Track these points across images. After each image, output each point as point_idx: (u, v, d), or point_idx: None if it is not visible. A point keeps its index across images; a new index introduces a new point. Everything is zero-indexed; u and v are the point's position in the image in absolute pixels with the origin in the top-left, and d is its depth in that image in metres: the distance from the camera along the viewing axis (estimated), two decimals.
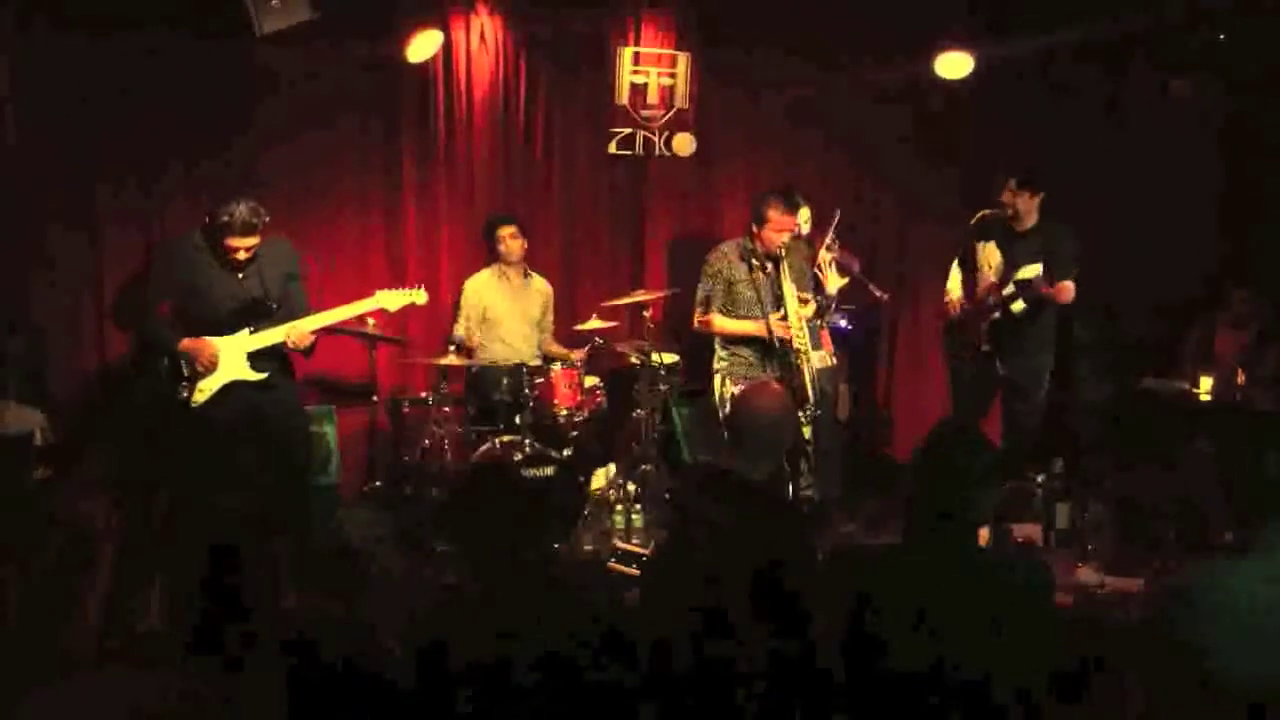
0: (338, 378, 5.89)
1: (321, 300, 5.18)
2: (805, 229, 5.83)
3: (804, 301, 5.43)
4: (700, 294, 5.47)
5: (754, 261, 5.31)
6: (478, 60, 6.15)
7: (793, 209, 5.34)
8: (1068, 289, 5.34)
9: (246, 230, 4.62)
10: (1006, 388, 5.70)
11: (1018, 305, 5.46)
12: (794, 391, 5.05)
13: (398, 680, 2.28)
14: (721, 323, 5.41)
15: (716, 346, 5.50)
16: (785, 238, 5.28)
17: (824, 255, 5.64)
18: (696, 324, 5.54)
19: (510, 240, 5.87)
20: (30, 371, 5.10)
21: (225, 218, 4.59)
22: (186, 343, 4.68)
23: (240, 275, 4.76)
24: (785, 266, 5.31)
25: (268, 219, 4.72)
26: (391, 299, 5.09)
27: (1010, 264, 5.49)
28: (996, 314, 5.56)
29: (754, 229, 5.32)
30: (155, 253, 5.13)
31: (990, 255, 5.63)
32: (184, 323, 4.76)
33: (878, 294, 5.68)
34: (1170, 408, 6.09)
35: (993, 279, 5.59)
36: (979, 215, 5.71)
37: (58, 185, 5.42)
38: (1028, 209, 5.51)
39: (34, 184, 5.32)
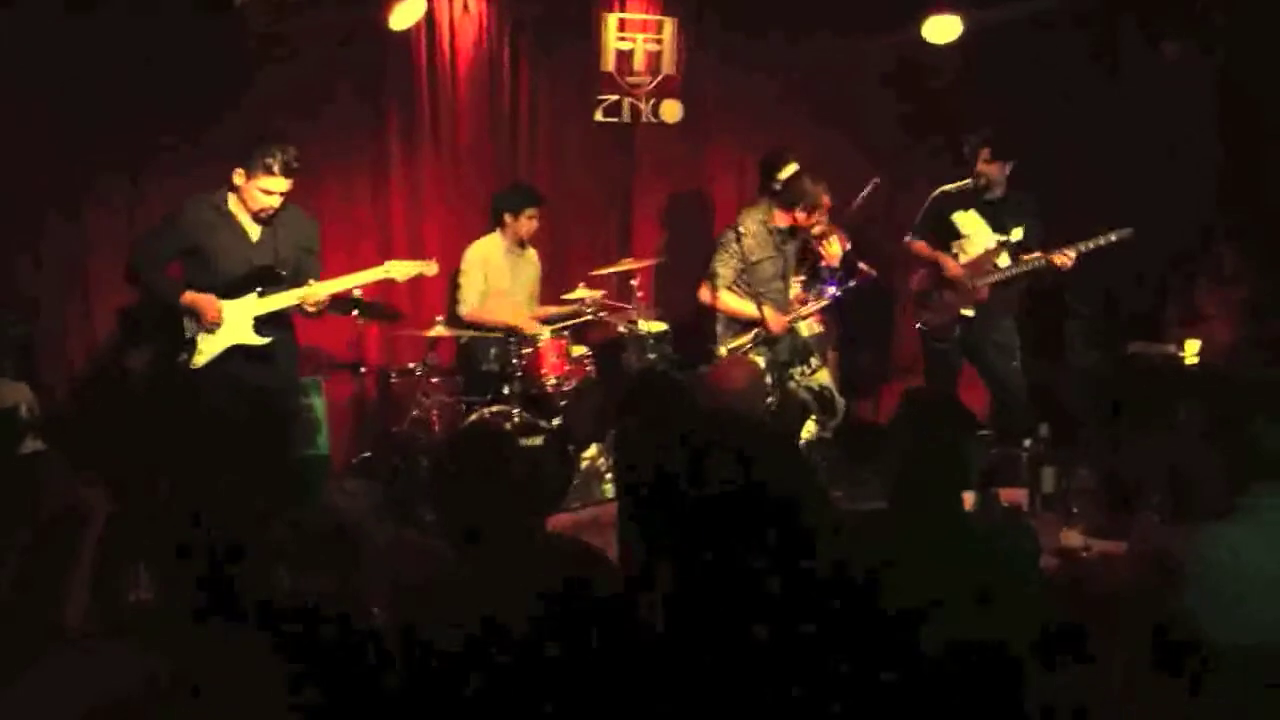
0: (324, 349, 5.86)
1: None
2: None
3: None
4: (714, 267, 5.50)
5: (778, 238, 5.47)
6: (461, 29, 6.10)
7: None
8: (1071, 258, 5.40)
9: (287, 171, 4.53)
10: (993, 350, 5.73)
11: (1012, 271, 5.58)
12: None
13: (388, 654, 2.29)
14: (726, 300, 5.45)
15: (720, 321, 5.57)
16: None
17: (817, 229, 5.61)
18: (705, 298, 5.59)
19: (534, 221, 5.81)
20: (16, 347, 5.06)
21: (268, 159, 4.49)
22: (189, 296, 4.54)
23: (255, 240, 4.66)
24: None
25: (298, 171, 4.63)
26: (401, 269, 4.99)
27: (998, 229, 5.60)
28: (994, 279, 5.61)
29: (796, 210, 5.40)
30: (172, 209, 4.86)
31: (972, 223, 5.66)
32: (187, 286, 4.62)
33: (866, 270, 5.68)
34: (1158, 372, 6.11)
35: (987, 245, 5.63)
36: (943, 190, 5.75)
37: (40, 167, 5.34)
38: (1000, 177, 5.60)
39: (16, 166, 5.25)
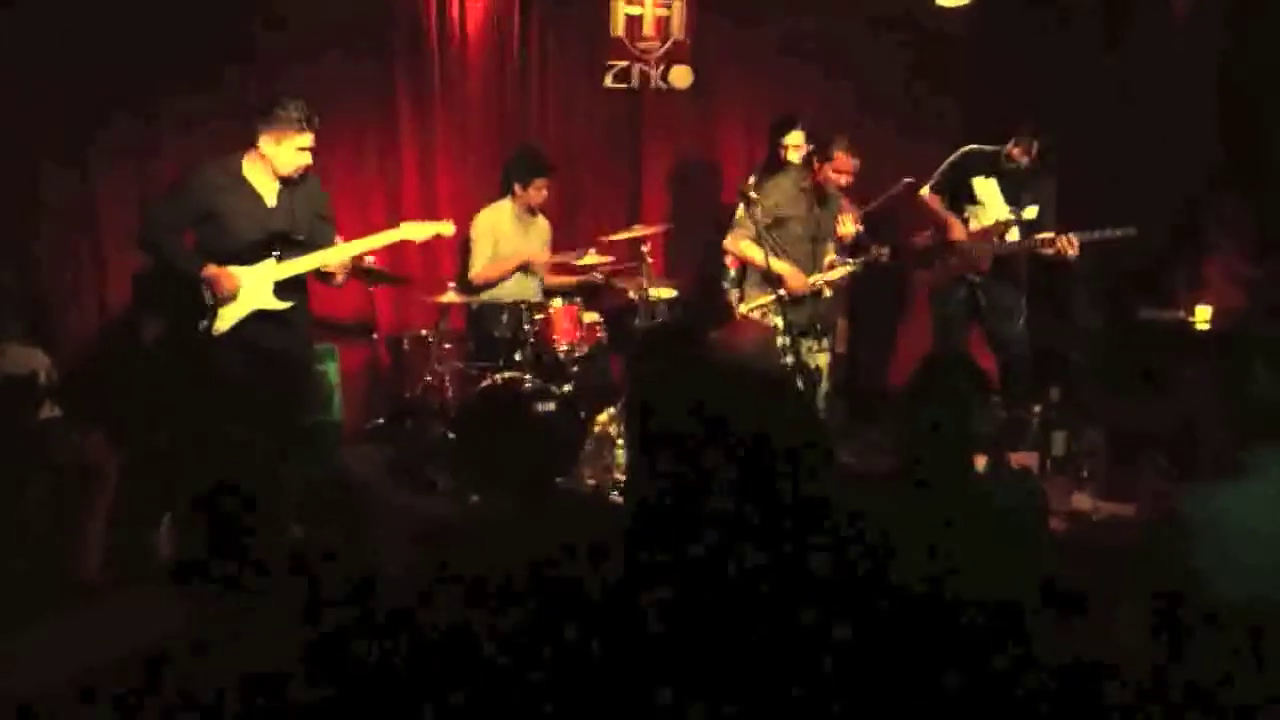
0: (337, 315, 5.89)
1: None
2: (799, 154, 5.81)
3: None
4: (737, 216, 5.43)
5: (811, 198, 5.38)
6: None
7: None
8: (1075, 244, 5.39)
9: (313, 124, 4.48)
10: (994, 312, 5.76)
11: (1017, 247, 5.59)
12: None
13: (398, 606, 2.31)
14: (745, 248, 5.37)
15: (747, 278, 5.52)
16: (845, 180, 5.35)
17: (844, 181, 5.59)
18: (727, 244, 5.53)
19: (543, 192, 5.82)
20: (28, 309, 5.08)
21: (296, 114, 4.42)
22: (212, 269, 4.50)
23: (271, 205, 4.59)
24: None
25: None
26: (417, 230, 4.92)
27: (1013, 203, 5.60)
28: (998, 251, 5.63)
29: (815, 163, 5.35)
30: (183, 173, 4.77)
31: (990, 192, 5.65)
32: (202, 252, 4.57)
33: (876, 252, 5.66)
34: (1168, 338, 6.11)
35: (998, 217, 5.63)
36: (971, 148, 5.70)
37: (49, 123, 5.35)
38: (1031, 158, 5.57)
39: (25, 121, 5.26)
